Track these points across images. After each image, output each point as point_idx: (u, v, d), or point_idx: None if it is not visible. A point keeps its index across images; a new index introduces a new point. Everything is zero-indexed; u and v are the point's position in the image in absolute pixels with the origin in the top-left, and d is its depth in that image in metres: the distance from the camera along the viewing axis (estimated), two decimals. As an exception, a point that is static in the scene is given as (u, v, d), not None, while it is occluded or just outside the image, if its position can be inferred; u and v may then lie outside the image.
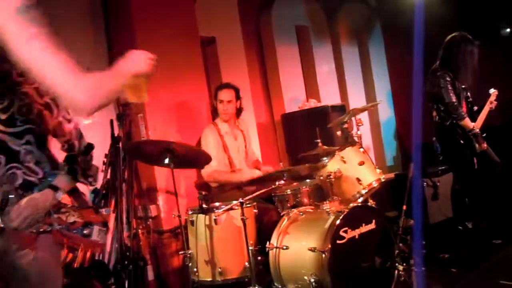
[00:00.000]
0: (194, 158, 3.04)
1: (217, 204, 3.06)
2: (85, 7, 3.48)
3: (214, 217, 2.82)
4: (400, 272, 2.79)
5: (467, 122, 3.71)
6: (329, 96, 5.01)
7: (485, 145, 3.78)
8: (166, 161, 2.75)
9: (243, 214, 2.70)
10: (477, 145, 3.74)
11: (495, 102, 3.92)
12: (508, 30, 7.52)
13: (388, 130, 5.80)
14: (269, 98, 4.70)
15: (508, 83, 4.53)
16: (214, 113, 3.69)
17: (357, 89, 5.48)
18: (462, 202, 3.99)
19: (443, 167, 4.55)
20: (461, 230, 4.03)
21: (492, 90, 3.96)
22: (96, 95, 1.25)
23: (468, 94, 3.91)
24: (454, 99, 3.66)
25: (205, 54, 4.05)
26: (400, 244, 2.91)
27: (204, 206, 2.86)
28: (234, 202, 2.80)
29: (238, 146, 3.60)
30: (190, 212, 2.94)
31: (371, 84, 5.63)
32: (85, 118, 3.03)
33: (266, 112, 4.64)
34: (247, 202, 2.85)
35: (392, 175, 4.82)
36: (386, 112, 5.80)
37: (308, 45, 4.96)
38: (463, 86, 3.81)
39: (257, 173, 3.41)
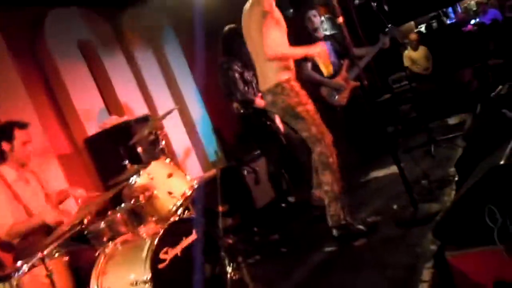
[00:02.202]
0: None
1: (18, 263, 2.63)
2: None
3: (16, 283, 2.41)
4: (231, 274, 2.77)
5: (258, 103, 3.85)
6: (135, 108, 4.79)
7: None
8: None
9: (47, 269, 2.36)
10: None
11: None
12: (291, 10, 8.20)
13: (205, 127, 5.83)
14: (66, 124, 4.26)
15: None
16: None
17: (163, 95, 5.35)
18: (279, 181, 4.19)
19: (257, 152, 4.73)
20: (285, 207, 4.26)
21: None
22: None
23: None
24: (242, 87, 3.78)
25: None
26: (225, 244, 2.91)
27: (-4, 274, 2.42)
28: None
29: (32, 190, 3.15)
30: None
31: (176, 86, 5.55)
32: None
33: (66, 140, 4.20)
34: (54, 252, 2.51)
35: (214, 171, 4.83)
36: (198, 110, 5.80)
37: (96, 59, 4.63)
38: (252, 73, 3.96)
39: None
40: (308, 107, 3.08)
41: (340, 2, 3.30)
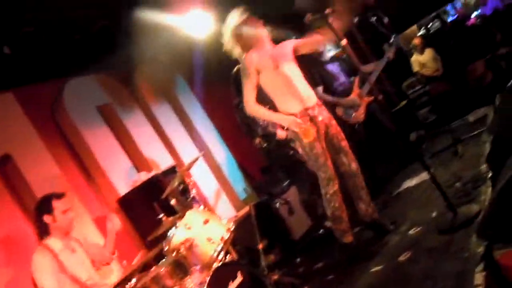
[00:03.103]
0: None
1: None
2: None
3: None
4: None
5: (280, 134, 3.91)
6: (161, 160, 4.91)
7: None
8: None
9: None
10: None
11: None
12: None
13: (230, 166, 5.90)
14: (98, 187, 4.37)
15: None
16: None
17: (185, 143, 5.47)
18: (313, 208, 4.20)
19: (286, 182, 4.76)
20: (323, 233, 4.24)
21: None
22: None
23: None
24: (261, 121, 3.86)
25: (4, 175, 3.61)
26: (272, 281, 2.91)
27: None
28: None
29: (78, 258, 3.23)
30: None
31: (196, 132, 5.68)
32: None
33: (100, 204, 4.31)
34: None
35: (247, 208, 4.86)
36: (221, 151, 5.90)
37: (117, 121, 4.79)
38: (268, 106, 4.04)
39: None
40: (303, 142, 3.22)
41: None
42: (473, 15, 9.52)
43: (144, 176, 4.26)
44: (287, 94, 3.29)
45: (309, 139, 3.19)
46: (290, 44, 3.48)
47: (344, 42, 3.27)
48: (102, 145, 4.49)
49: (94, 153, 4.35)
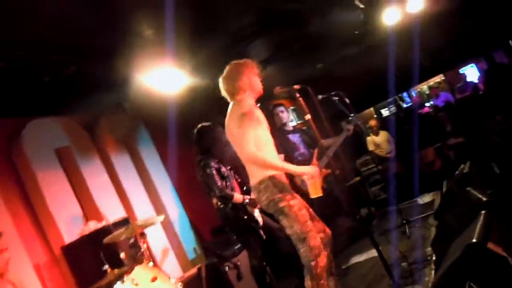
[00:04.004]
0: None
1: None
2: None
3: None
4: None
5: (236, 198, 3.93)
6: (113, 212, 4.78)
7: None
8: None
9: None
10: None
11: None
12: (258, 105, 8.63)
13: (182, 224, 5.81)
14: (43, 231, 4.20)
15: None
16: None
17: (139, 195, 5.38)
18: (262, 275, 4.16)
19: (238, 246, 4.74)
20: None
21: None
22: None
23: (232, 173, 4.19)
24: (219, 183, 3.89)
25: None
26: None
27: None
28: None
29: None
30: None
31: (152, 185, 5.62)
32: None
33: (43, 249, 4.12)
34: None
35: (195, 269, 4.76)
36: (175, 207, 5.83)
37: (74, 166, 4.69)
38: (229, 167, 4.11)
39: None
40: (291, 202, 2.92)
41: (305, 99, 3.58)
42: (427, 104, 10.24)
43: (93, 225, 4.14)
44: (272, 153, 3.12)
45: (318, 195, 3.04)
46: None
47: (308, 116, 3.43)
48: (55, 188, 4.36)
49: (45, 196, 4.21)
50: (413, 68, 7.94)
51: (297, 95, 3.44)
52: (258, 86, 3.22)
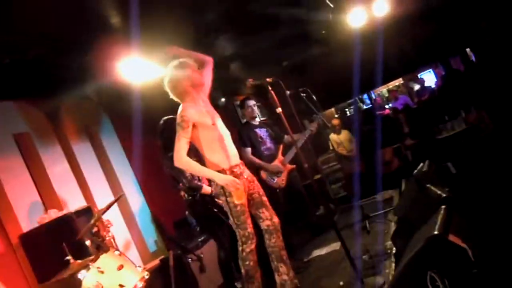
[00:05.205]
0: None
1: None
2: None
3: None
4: None
5: (205, 189, 3.95)
6: (73, 200, 4.66)
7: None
8: None
9: None
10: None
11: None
12: (223, 99, 8.64)
13: (144, 217, 5.73)
14: (-1, 220, 4.03)
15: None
16: None
17: (101, 185, 5.26)
18: (229, 268, 4.18)
19: (202, 238, 4.73)
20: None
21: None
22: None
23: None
24: (187, 174, 3.88)
25: None
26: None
27: None
28: None
29: None
30: None
31: (114, 175, 5.50)
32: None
33: (0, 238, 3.96)
34: None
35: (157, 261, 4.71)
36: (137, 199, 5.74)
37: (33, 152, 4.52)
38: (195, 160, 4.10)
39: None
40: (229, 199, 3.29)
41: (276, 93, 3.63)
42: (386, 106, 10.55)
43: (54, 214, 4.01)
44: (218, 150, 3.37)
45: (241, 201, 3.27)
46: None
47: (279, 110, 3.48)
48: (13, 175, 4.18)
49: (2, 182, 4.04)
50: (376, 70, 8.15)
51: (269, 87, 3.49)
52: (196, 88, 3.43)
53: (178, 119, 3.29)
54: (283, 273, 3.39)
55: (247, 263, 3.34)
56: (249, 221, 3.36)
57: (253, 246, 3.35)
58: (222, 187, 3.28)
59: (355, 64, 7.73)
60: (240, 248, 3.36)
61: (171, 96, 3.46)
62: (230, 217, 3.36)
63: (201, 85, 3.48)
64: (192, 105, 3.38)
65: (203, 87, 3.52)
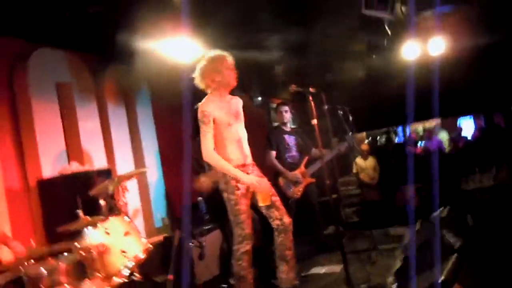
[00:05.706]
0: None
1: None
2: None
3: None
4: None
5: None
6: (95, 159, 4.76)
7: None
8: None
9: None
10: None
11: None
12: (260, 98, 8.68)
13: (157, 191, 5.81)
14: (23, 160, 4.15)
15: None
16: None
17: (125, 151, 5.35)
18: (228, 260, 4.20)
19: (208, 227, 4.77)
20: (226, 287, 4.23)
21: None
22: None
23: None
24: None
25: None
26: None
27: None
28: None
29: None
30: None
31: (139, 145, 5.59)
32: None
33: (19, 177, 4.06)
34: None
35: (161, 237, 4.78)
36: (154, 173, 5.82)
37: (70, 103, 4.65)
38: None
39: None
40: (230, 196, 3.31)
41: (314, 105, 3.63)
42: (419, 144, 10.38)
43: (75, 167, 4.12)
44: (230, 148, 3.41)
45: (265, 203, 3.28)
46: (239, 104, 3.62)
47: (315, 121, 3.49)
48: (46, 122, 4.30)
49: (35, 127, 4.14)
50: (417, 105, 8.03)
51: (310, 97, 3.50)
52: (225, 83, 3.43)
53: (199, 115, 3.35)
54: (281, 271, 3.42)
55: (239, 263, 3.35)
56: (248, 221, 3.36)
57: (248, 247, 3.35)
58: (226, 184, 3.30)
59: (397, 95, 7.63)
60: (234, 247, 3.38)
61: (198, 84, 3.49)
62: (230, 214, 3.39)
63: (231, 85, 3.49)
64: (214, 100, 3.43)
65: (232, 87, 3.52)
